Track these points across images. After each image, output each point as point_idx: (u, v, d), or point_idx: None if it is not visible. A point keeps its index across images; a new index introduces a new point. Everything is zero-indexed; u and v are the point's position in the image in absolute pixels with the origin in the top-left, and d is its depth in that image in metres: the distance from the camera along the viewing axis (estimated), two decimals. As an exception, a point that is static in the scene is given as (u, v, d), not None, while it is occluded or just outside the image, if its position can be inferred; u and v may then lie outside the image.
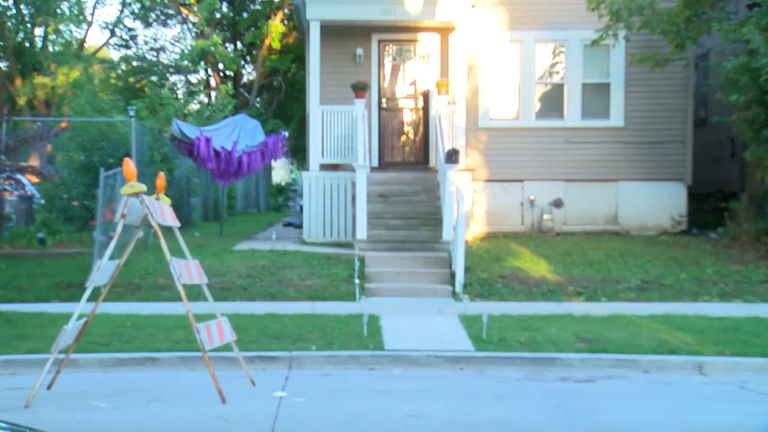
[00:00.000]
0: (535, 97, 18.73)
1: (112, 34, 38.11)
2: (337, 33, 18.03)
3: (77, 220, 17.86)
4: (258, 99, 38.51)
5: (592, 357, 9.80)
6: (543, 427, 7.32)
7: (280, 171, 48.93)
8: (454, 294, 13.55)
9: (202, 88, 37.34)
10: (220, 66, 36.27)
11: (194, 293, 9.43)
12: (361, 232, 15.60)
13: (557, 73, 18.85)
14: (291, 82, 38.10)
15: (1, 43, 29.42)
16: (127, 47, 39.26)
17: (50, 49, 31.73)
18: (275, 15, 35.17)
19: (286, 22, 35.45)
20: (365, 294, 13.45)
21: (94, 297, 8.39)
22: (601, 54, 18.31)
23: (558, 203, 18.48)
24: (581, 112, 18.54)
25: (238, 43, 38.30)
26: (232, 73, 37.58)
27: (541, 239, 17.47)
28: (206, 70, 36.96)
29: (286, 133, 22.03)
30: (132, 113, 17.47)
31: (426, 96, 18.80)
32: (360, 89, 17.08)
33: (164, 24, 39.21)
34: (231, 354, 8.75)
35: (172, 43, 39.69)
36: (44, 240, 16.54)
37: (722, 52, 17.67)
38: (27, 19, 30.62)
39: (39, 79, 29.67)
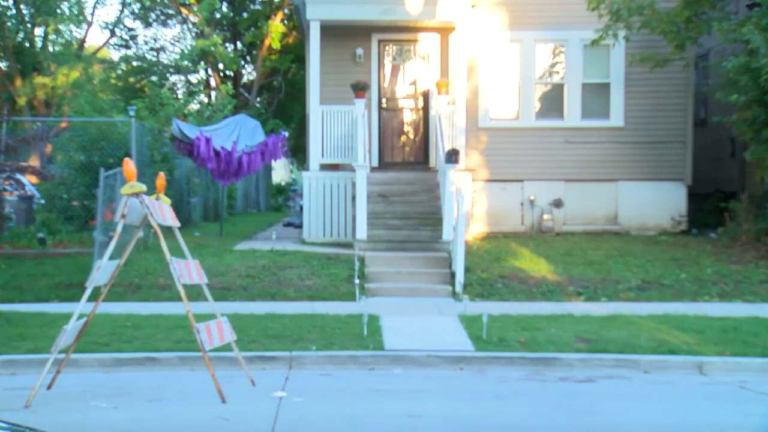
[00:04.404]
0: (535, 97, 18.73)
1: (112, 34, 38.13)
2: (337, 33, 18.03)
3: (77, 220, 17.85)
4: (258, 99, 38.51)
5: (592, 357, 9.80)
6: (543, 427, 7.33)
7: (280, 171, 48.92)
8: (454, 294, 13.55)
9: (202, 88, 37.34)
10: (220, 66, 36.27)
11: (194, 293, 9.44)
12: (361, 232, 15.60)
13: (557, 73, 18.86)
14: (291, 82, 38.11)
15: (1, 43, 29.42)
16: (127, 47, 39.27)
17: (50, 49, 31.73)
18: (275, 15, 35.18)
19: (286, 22, 35.46)
20: (365, 294, 13.45)
21: (94, 297, 8.39)
22: (601, 54, 18.32)
23: (558, 203, 18.48)
24: (581, 112, 18.55)
25: (238, 43, 38.30)
26: (232, 73, 37.58)
27: (541, 239, 17.47)
28: (206, 70, 36.97)
29: (286, 133, 22.02)
30: (132, 113, 17.46)
31: (426, 96, 18.80)
32: (360, 89, 17.08)
33: (164, 24, 39.22)
34: (231, 354, 8.76)
35: (172, 43, 39.73)
36: (44, 240, 16.54)
37: (722, 52, 17.67)
38: (27, 19, 30.64)
39: (39, 79, 29.67)
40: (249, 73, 39.51)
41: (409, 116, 19.10)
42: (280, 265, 14.75)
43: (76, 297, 10.09)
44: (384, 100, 18.91)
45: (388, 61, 19.01)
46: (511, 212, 18.51)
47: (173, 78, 38.53)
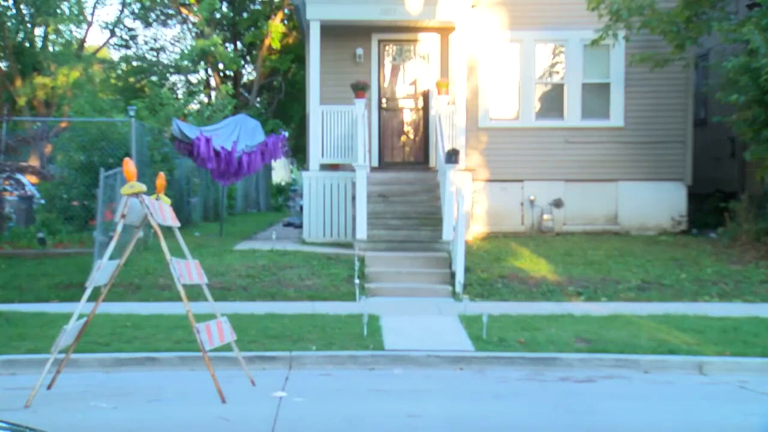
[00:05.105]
0: (535, 97, 18.73)
1: (112, 34, 38.14)
2: (337, 33, 18.03)
3: (77, 220, 17.85)
4: (258, 99, 38.51)
5: (592, 357, 9.80)
6: (543, 427, 7.32)
7: (280, 171, 48.93)
8: (454, 294, 13.55)
9: (202, 88, 37.34)
10: (220, 66, 36.27)
11: (194, 293, 9.44)
12: (361, 232, 15.60)
13: (557, 73, 18.86)
14: (291, 82, 38.11)
15: (1, 43, 29.42)
16: (127, 47, 39.28)
17: (50, 49, 31.74)
18: (275, 15, 35.18)
19: (286, 22, 35.46)
20: (365, 294, 13.44)
21: (94, 297, 8.39)
22: (601, 54, 18.32)
23: (558, 203, 18.48)
24: (581, 112, 18.55)
25: (238, 43, 38.30)
26: (232, 73, 37.58)
27: (541, 239, 17.47)
28: (206, 70, 36.97)
29: (286, 133, 22.02)
30: (132, 113, 17.45)
31: (426, 96, 18.80)
32: (360, 89, 17.08)
33: (164, 24, 39.23)
34: (231, 354, 8.76)
35: (172, 43, 39.74)
36: (44, 240, 16.54)
37: (722, 52, 17.67)
38: (27, 19, 30.64)
39: (39, 79, 29.67)
40: (249, 73, 39.51)
41: (409, 116, 19.10)
42: (280, 265, 14.75)
43: (76, 297, 10.09)
44: (384, 100, 18.91)
45: (388, 61, 19.01)
46: (511, 212, 18.51)
47: (173, 78, 38.54)
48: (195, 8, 33.46)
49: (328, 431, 7.16)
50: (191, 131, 18.14)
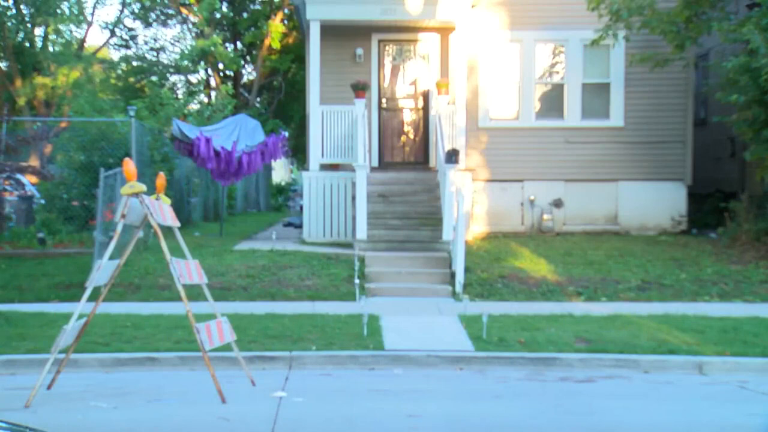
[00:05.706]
0: (535, 97, 18.73)
1: (112, 34, 38.14)
2: (337, 33, 18.03)
3: (77, 220, 17.86)
4: (258, 99, 38.51)
5: (592, 357, 9.80)
6: (543, 427, 7.32)
7: (280, 171, 48.93)
8: (454, 294, 13.55)
9: (202, 88, 37.35)
10: (220, 66, 36.28)
11: (194, 293, 9.43)
12: (361, 232, 15.60)
13: (557, 73, 18.86)
14: (291, 82, 38.12)
15: (1, 43, 29.41)
16: (127, 47, 39.29)
17: (50, 49, 31.72)
18: (275, 15, 35.19)
19: (286, 22, 35.47)
20: (365, 294, 13.44)
21: (94, 297, 8.39)
22: (601, 54, 18.32)
23: (558, 203, 18.48)
24: (581, 112, 18.55)
25: (238, 43, 38.31)
26: (232, 73, 37.59)
27: (541, 239, 17.47)
28: (206, 70, 36.97)
29: (286, 133, 22.02)
30: (132, 113, 17.46)
31: (426, 96, 18.80)
32: (360, 89, 17.08)
33: (164, 24, 39.23)
34: (231, 354, 8.76)
35: (172, 43, 39.73)
36: (44, 240, 16.54)
37: (722, 52, 17.67)
38: (27, 19, 30.62)
39: (39, 79, 29.67)
40: (249, 73, 39.52)
41: (409, 116, 19.10)
42: (280, 265, 14.75)
43: (76, 297, 10.09)
44: (384, 100, 18.91)
45: (388, 61, 19.01)
46: (511, 212, 18.51)
47: (173, 78, 38.54)
48: (195, 8, 33.47)
49: (328, 431, 7.17)
50: (191, 131, 18.15)
